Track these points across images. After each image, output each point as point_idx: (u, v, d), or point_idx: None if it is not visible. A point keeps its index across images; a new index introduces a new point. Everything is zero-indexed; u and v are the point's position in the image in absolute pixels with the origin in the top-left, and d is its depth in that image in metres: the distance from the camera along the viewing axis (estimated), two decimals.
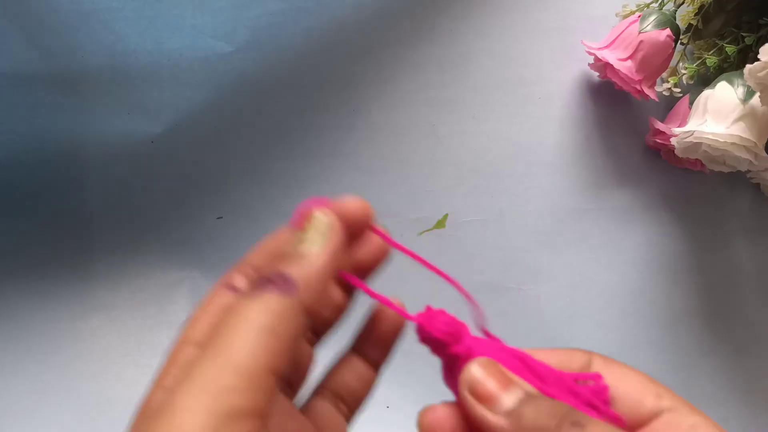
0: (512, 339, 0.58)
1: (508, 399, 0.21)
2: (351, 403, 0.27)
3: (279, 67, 0.50)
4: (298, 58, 0.50)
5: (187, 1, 0.47)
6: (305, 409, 0.26)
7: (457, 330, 0.23)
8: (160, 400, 0.19)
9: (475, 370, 0.22)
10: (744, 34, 0.47)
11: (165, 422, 0.18)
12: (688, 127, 0.45)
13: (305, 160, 0.53)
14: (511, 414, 0.21)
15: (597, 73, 0.53)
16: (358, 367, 0.27)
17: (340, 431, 0.26)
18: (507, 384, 0.22)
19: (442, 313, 0.24)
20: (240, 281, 0.23)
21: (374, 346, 0.27)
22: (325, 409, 0.26)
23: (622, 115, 0.54)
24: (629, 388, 0.23)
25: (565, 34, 0.52)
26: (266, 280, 0.21)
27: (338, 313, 0.27)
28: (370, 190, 0.52)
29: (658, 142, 0.51)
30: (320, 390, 0.26)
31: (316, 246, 0.22)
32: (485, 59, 0.53)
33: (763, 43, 0.39)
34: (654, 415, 0.22)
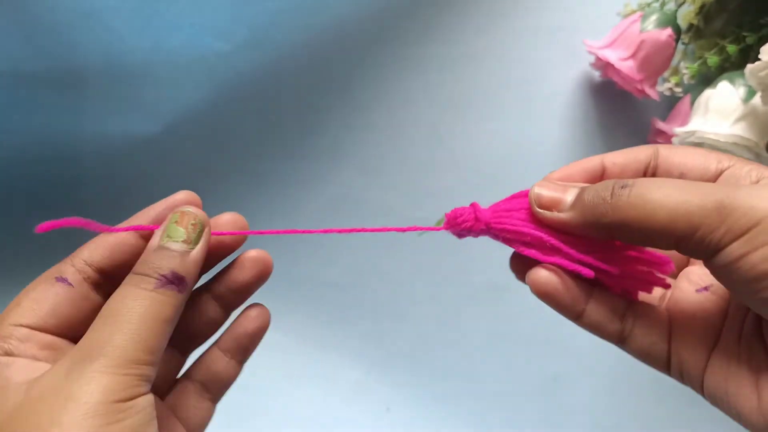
0: (513, 339, 0.57)
1: (569, 196, 0.25)
2: (215, 389, 0.30)
3: (278, 66, 0.50)
4: (297, 57, 0.50)
5: (185, 0, 0.47)
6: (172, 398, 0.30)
7: (471, 213, 0.27)
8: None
9: (537, 189, 0.26)
10: (745, 34, 0.47)
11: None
12: (689, 127, 0.45)
13: (305, 160, 0.53)
14: (574, 204, 0.25)
15: (598, 73, 0.53)
16: (219, 356, 0.30)
17: (205, 414, 0.30)
18: (564, 188, 0.26)
19: (455, 212, 0.28)
20: (70, 273, 0.28)
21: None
22: (190, 396, 0.30)
23: (623, 115, 0.53)
24: (696, 160, 0.27)
25: (567, 34, 0.52)
26: (167, 279, 0.25)
27: (214, 327, 0.30)
28: (370, 190, 0.52)
29: (660, 143, 0.51)
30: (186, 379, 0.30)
31: (196, 244, 0.27)
32: (487, 59, 0.53)
33: (764, 43, 0.39)
34: (719, 173, 0.26)
